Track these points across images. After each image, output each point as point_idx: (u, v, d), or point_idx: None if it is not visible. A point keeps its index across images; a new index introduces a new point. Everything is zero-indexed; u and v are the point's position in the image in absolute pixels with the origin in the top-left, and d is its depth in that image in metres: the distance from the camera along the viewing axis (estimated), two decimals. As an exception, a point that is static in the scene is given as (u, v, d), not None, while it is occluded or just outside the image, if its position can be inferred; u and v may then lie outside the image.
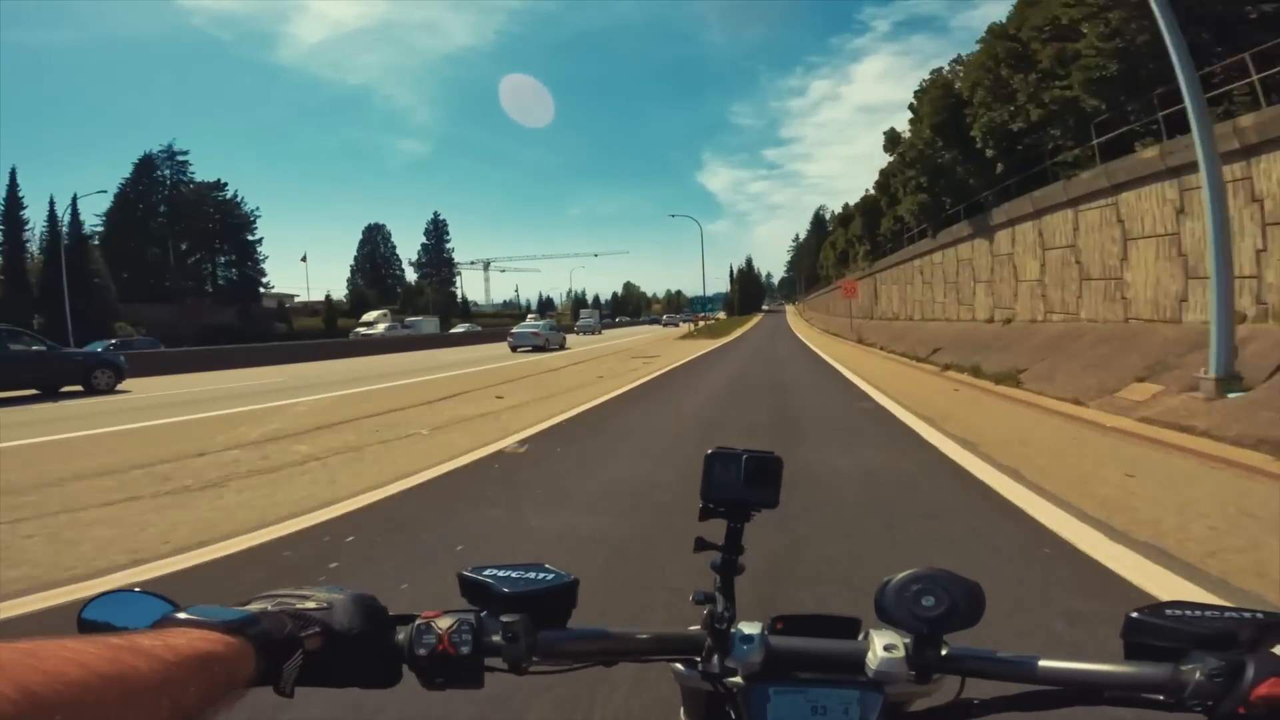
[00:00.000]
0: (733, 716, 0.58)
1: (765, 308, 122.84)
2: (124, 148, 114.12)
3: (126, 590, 0.51)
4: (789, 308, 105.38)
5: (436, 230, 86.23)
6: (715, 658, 0.58)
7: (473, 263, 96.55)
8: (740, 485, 0.63)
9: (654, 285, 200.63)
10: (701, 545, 0.64)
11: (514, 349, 24.33)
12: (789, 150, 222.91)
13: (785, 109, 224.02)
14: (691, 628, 0.59)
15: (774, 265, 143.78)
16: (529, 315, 61.20)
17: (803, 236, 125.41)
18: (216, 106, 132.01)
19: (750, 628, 0.58)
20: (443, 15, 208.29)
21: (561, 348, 25.87)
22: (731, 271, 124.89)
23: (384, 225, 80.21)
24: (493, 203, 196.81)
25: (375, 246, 78.92)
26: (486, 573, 0.58)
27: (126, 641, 0.38)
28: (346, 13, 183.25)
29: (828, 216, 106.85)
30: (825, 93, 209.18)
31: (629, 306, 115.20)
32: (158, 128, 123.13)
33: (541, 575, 0.58)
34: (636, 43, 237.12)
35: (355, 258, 77.02)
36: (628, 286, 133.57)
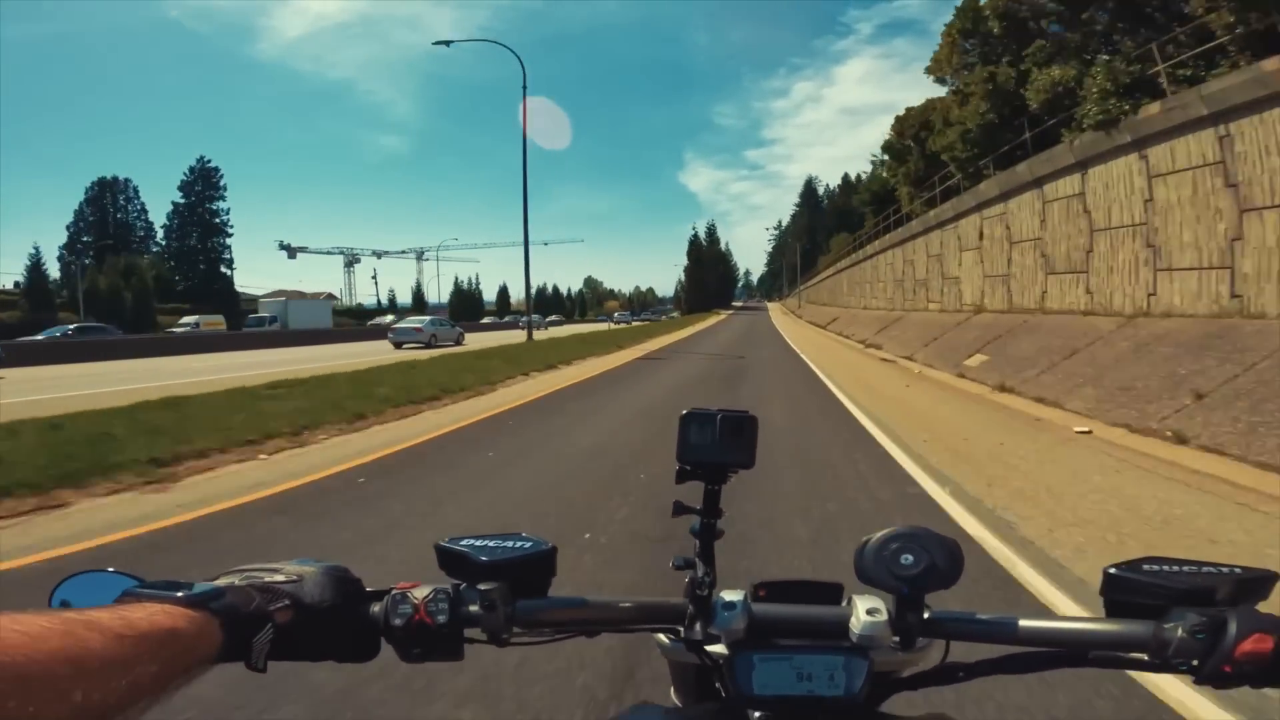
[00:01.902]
0: (719, 686, 0.64)
1: (739, 304, 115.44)
2: (101, 143, 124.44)
3: (99, 571, 0.56)
4: (772, 305, 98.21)
5: (203, 184, 62.97)
6: (698, 625, 0.63)
7: (403, 252, 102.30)
8: (716, 446, 0.67)
9: (625, 283, 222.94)
10: (680, 509, 0.68)
11: (397, 346, 25.91)
12: (771, 151, 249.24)
13: (768, 110, 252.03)
14: (675, 599, 0.65)
15: (754, 265, 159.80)
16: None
17: (785, 223, 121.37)
18: (197, 101, 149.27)
19: (732, 595, 0.64)
20: (425, 10, 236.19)
21: (457, 343, 27.48)
22: (691, 246, 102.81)
23: (128, 181, 62.20)
24: (473, 200, 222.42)
25: (107, 211, 60.97)
26: (463, 543, 0.63)
27: (81, 616, 0.41)
28: (328, 6, 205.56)
29: (822, 191, 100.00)
30: (808, 94, 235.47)
31: (563, 305, 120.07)
32: (137, 122, 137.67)
33: (519, 544, 0.64)
34: (621, 41, 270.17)
35: (69, 225, 59.97)
36: (589, 281, 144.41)
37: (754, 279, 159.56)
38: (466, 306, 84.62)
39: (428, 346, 25.43)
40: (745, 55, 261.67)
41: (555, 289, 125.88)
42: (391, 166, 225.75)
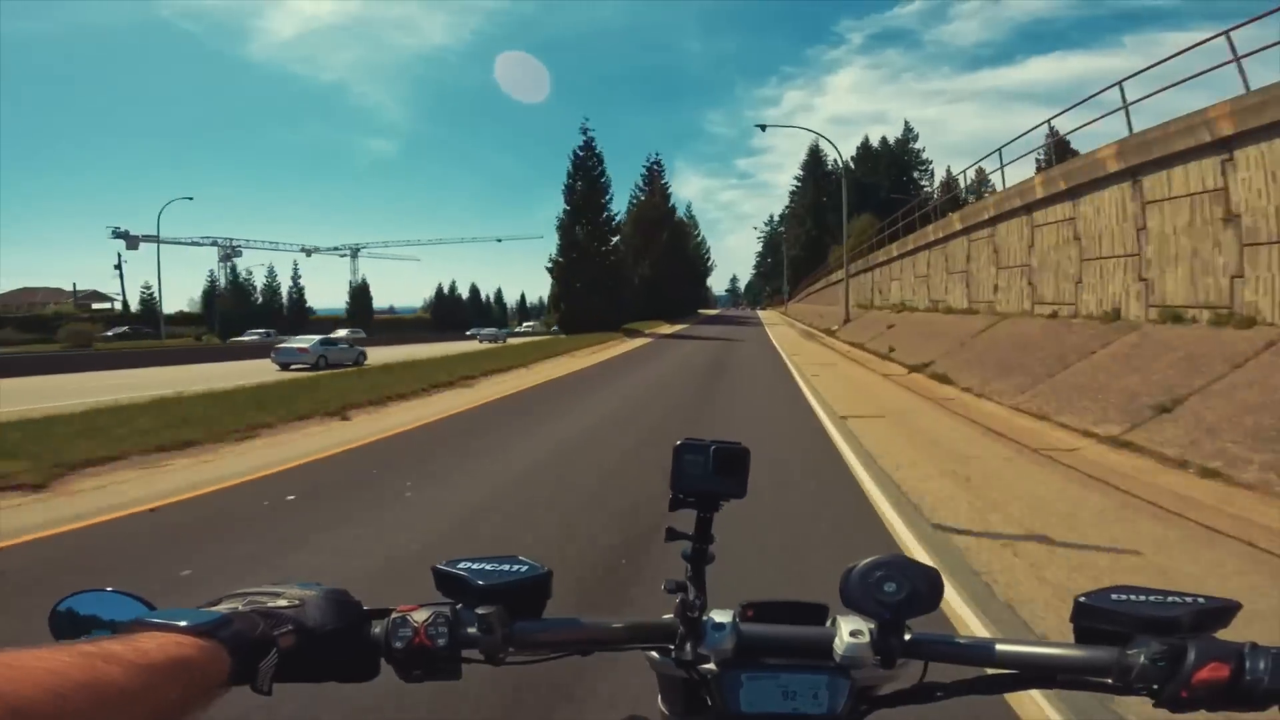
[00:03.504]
0: (708, 702, 0.75)
1: (715, 311, 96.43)
2: (86, 142, 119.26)
3: (99, 590, 0.65)
4: (766, 314, 79.05)
5: None
6: (689, 645, 0.73)
7: (335, 248, 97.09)
8: (709, 476, 0.78)
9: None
10: (672, 535, 0.79)
11: (284, 366, 26.64)
12: (760, 160, 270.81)
13: (759, 118, 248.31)
14: (665, 616, 0.77)
15: (743, 272, 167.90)
16: None
17: (778, 216, 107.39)
18: (184, 100, 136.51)
19: (722, 616, 0.76)
20: (419, 13, 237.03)
21: (356, 364, 28.17)
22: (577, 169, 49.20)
23: None
24: (458, 205, 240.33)
25: None
26: (461, 565, 0.73)
27: (99, 649, 0.47)
28: (321, 8, 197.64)
29: (831, 165, 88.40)
30: (799, 103, 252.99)
31: (489, 310, 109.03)
32: (123, 120, 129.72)
33: (516, 567, 0.74)
34: (614, 48, 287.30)
35: None
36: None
37: (741, 285, 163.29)
38: (254, 316, 68.56)
39: (315, 367, 26.28)
40: (737, 63, 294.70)
41: (475, 291, 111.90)
42: (381, 171, 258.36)
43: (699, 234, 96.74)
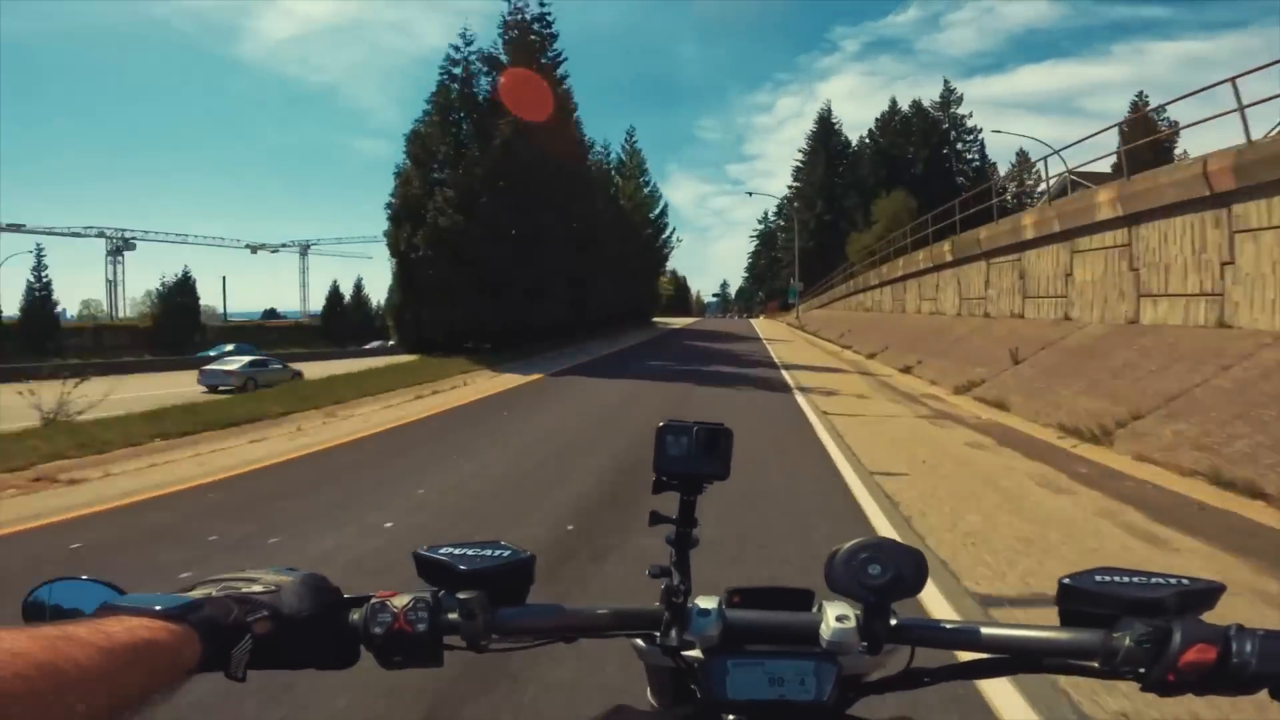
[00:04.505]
0: (695, 689, 0.80)
1: (688, 321, 66.95)
2: (82, 141, 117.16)
3: (74, 579, 0.67)
4: (765, 328, 52.68)
5: None
6: (674, 632, 0.75)
7: (284, 245, 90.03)
8: (692, 457, 0.80)
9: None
10: (656, 519, 0.82)
11: (213, 388, 25.50)
12: (753, 166, 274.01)
13: (751, 125, 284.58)
14: (655, 604, 0.80)
15: (734, 279, 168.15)
16: None
17: (771, 212, 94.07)
18: (177, 99, 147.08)
19: (707, 601, 0.79)
20: (415, 15, 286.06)
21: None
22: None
23: None
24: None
25: None
26: (443, 551, 0.76)
27: (61, 631, 0.48)
28: (316, 9, 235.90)
29: (844, 140, 79.86)
30: (792, 110, 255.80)
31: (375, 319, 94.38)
32: (115, 120, 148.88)
33: (498, 552, 0.76)
34: (610, 52, 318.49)
35: None
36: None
37: (733, 290, 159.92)
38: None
39: (242, 390, 25.04)
40: (731, 69, 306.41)
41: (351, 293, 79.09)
42: (372, 172, 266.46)
43: (649, 183, 63.66)
